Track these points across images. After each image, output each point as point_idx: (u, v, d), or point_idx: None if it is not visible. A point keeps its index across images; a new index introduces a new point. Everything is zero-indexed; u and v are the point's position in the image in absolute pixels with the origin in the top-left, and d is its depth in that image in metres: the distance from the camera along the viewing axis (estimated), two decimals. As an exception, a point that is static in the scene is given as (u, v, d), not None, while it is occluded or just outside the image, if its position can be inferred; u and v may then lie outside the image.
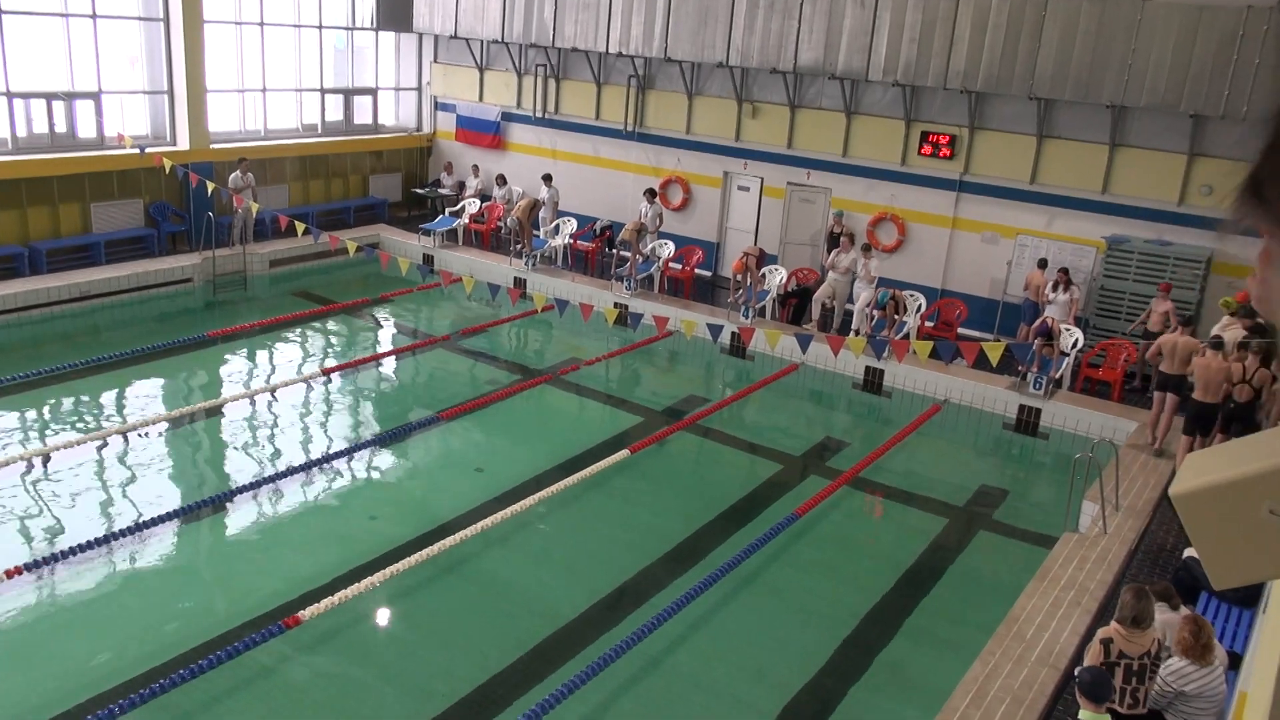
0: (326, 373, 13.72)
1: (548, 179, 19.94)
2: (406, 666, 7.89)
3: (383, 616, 8.59)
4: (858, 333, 15.20)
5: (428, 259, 18.91)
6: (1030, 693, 7.34)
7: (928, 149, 16.42)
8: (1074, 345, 14.02)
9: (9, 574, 8.26)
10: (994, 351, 11.43)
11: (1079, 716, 5.87)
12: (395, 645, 8.29)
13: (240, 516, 9.99)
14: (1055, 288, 14.57)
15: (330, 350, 14.87)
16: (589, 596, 8.90)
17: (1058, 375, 13.67)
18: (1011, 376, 13.90)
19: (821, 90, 17.35)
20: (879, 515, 11.33)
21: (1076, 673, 6.05)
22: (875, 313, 15.00)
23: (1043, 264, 15.02)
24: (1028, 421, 13.55)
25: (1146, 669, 6.31)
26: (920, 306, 15.74)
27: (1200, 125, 14.17)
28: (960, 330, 16.06)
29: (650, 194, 18.49)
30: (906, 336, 14.77)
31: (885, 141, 16.86)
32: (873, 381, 14.78)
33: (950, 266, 16.72)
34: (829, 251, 16.34)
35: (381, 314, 16.68)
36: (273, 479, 10.50)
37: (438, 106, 22.85)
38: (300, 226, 15.28)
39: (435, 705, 7.38)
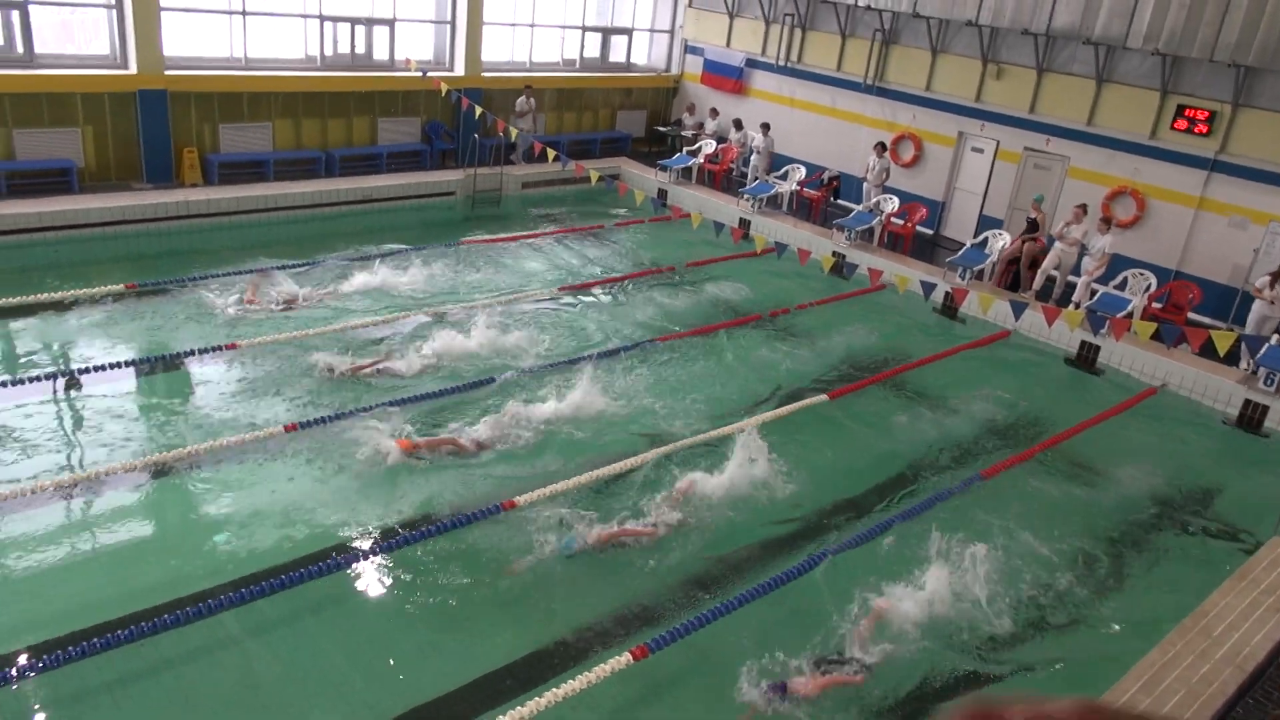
0: (562, 290, 14.25)
1: (765, 128, 19.57)
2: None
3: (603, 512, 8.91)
4: (1077, 306, 14.13)
5: (662, 193, 19.12)
6: (1209, 689, 6.78)
7: (1182, 123, 14.81)
8: (1317, 345, 12.44)
9: (287, 429, 9.29)
10: (1223, 341, 10.32)
11: None
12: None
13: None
14: (1275, 283, 12.86)
15: (566, 269, 15.37)
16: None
17: (1293, 374, 12.21)
18: (1242, 370, 12.54)
19: (1074, 55, 15.94)
20: (1068, 490, 10.51)
21: None
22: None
23: None
24: (1252, 417, 12.22)
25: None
26: (1150, 286, 14.40)
27: None
28: (1190, 315, 14.61)
29: (880, 147, 17.78)
30: (1130, 315, 13.58)
31: (1136, 112, 15.33)
32: (1086, 357, 13.75)
33: (1189, 248, 15.14)
34: (1059, 222, 15.17)
35: (614, 241, 17.05)
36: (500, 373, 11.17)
37: (687, 49, 22.80)
38: (552, 153, 15.82)
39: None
